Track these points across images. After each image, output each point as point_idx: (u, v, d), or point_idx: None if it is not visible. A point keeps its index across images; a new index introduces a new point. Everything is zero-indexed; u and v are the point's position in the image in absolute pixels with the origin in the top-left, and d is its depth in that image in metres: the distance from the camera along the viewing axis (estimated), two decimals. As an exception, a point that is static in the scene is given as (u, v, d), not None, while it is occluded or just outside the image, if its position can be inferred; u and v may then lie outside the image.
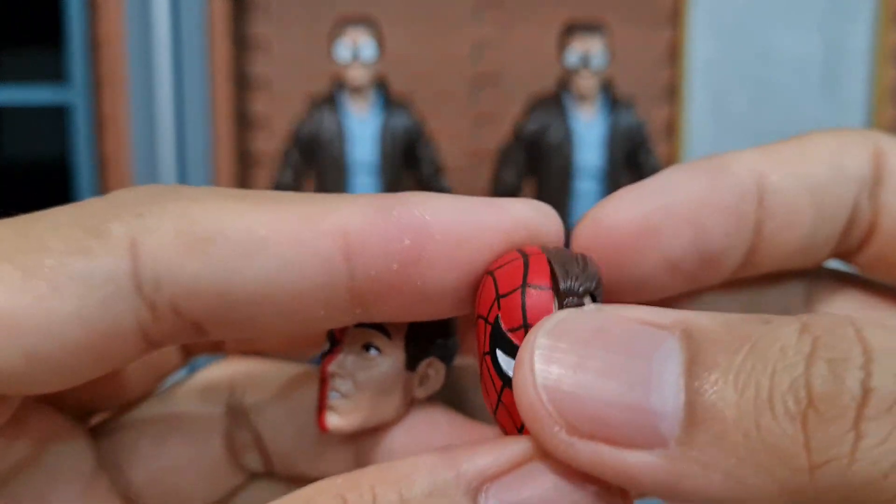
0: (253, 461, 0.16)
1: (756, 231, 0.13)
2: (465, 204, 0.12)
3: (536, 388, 0.10)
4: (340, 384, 0.14)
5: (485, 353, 0.13)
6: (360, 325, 0.14)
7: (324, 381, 0.14)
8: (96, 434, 0.15)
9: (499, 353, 0.12)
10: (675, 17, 1.00)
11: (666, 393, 0.10)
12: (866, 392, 0.09)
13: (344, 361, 0.14)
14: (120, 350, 0.12)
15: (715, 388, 0.10)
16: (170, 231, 0.11)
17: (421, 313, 0.13)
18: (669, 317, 0.11)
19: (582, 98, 1.13)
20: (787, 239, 0.13)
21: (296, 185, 1.50)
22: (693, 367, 0.10)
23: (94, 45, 1.61)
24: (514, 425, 0.12)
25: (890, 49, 1.00)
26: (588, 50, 1.09)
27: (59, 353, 0.11)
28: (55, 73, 1.70)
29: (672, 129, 1.11)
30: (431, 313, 0.13)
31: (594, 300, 0.13)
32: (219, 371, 0.16)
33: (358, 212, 0.12)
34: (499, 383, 0.12)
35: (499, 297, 0.12)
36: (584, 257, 0.13)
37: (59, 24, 1.46)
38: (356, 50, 1.38)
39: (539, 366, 0.10)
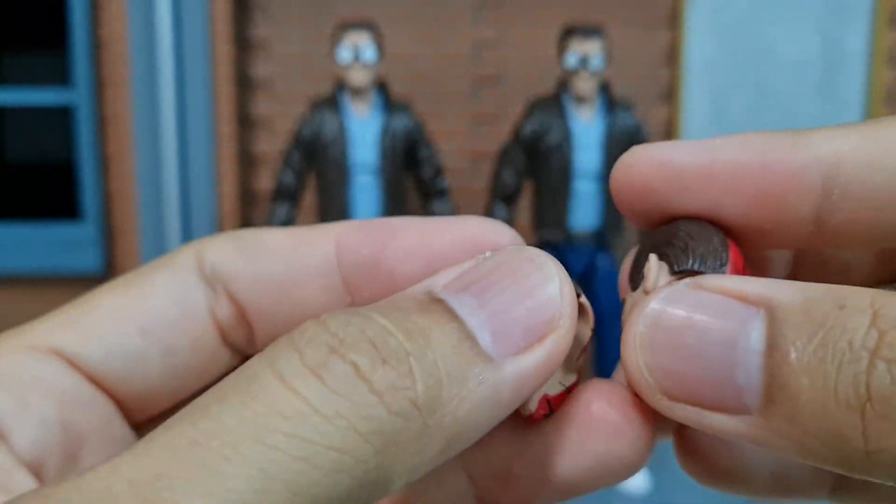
0: (237, 337, 0.16)
1: (824, 200, 0.14)
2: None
3: (639, 367, 0.13)
4: (550, 386, 0.14)
5: None
6: None
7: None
8: None
9: None
10: (673, 18, 1.01)
11: (750, 371, 0.12)
12: None
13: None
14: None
15: (790, 372, 0.12)
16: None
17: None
18: (755, 289, 0.13)
19: (581, 99, 1.13)
20: (858, 215, 0.14)
21: (297, 185, 1.51)
22: (773, 351, 0.12)
23: (97, 48, 1.62)
24: None
25: (886, 51, 1.01)
26: (587, 52, 1.09)
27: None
28: (59, 74, 1.71)
29: (670, 129, 1.12)
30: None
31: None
32: (179, 252, 0.17)
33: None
34: None
35: None
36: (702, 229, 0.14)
37: (63, 26, 1.46)
38: (357, 51, 1.39)
39: (640, 348, 0.13)
